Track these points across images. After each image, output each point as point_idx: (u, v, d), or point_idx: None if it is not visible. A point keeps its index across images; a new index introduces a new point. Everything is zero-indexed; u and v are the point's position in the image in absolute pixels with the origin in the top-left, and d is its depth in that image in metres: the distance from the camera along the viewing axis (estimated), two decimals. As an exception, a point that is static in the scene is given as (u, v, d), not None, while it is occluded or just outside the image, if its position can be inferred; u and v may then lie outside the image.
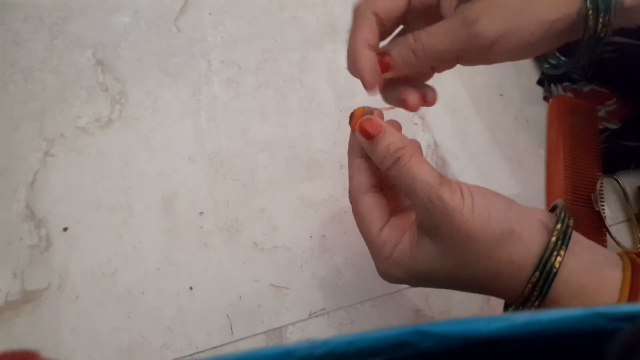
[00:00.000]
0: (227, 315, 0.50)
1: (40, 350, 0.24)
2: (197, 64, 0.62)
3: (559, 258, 0.30)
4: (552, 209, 0.35)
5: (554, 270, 0.30)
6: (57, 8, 0.64)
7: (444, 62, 0.38)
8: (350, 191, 0.37)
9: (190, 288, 0.51)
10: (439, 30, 0.35)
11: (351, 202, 0.36)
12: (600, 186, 0.55)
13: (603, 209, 0.53)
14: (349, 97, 0.61)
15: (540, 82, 0.62)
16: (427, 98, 0.39)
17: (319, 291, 0.51)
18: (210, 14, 0.65)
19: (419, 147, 0.37)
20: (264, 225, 0.54)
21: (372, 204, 0.35)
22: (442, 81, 0.62)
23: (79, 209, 0.54)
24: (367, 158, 0.36)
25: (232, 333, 0.49)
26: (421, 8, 0.37)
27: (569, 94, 0.60)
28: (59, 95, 0.60)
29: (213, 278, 0.51)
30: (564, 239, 0.30)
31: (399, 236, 0.34)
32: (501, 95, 0.62)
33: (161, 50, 0.63)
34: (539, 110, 0.61)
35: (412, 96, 0.38)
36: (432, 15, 0.37)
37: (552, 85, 0.61)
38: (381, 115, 0.36)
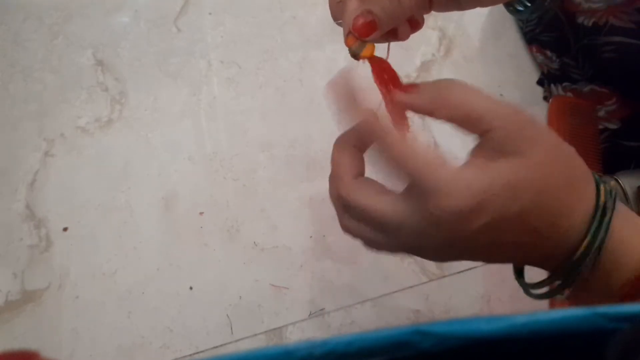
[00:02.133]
0: (227, 315, 0.50)
1: (41, 350, 0.24)
2: (197, 64, 0.62)
3: (612, 182, 0.32)
4: None
5: (609, 187, 0.31)
6: (57, 8, 0.64)
7: (421, 8, 0.36)
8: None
9: (190, 288, 0.51)
10: None
11: (389, 139, 0.31)
12: (600, 186, 0.55)
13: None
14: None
15: (540, 82, 0.62)
16: (419, 21, 0.37)
17: (319, 291, 0.51)
18: (210, 14, 0.65)
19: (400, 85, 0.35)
20: (264, 225, 0.54)
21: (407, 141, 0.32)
22: (442, 81, 0.62)
23: (79, 209, 0.54)
24: (359, 147, 0.35)
25: (232, 333, 0.49)
26: None
27: (569, 94, 0.60)
28: (59, 95, 0.60)
29: (213, 278, 0.51)
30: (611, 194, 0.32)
31: (453, 162, 0.30)
32: (501, 95, 0.62)
33: (161, 50, 0.63)
34: (539, 110, 0.61)
35: (401, 27, 0.36)
36: None
37: (552, 85, 0.61)
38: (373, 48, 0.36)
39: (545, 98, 0.61)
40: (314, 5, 0.67)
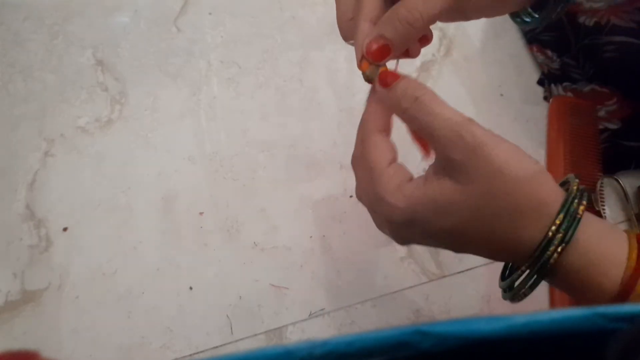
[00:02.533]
0: (227, 315, 0.50)
1: (40, 351, 0.24)
2: (197, 63, 0.62)
3: (581, 207, 0.30)
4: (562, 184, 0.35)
5: (578, 216, 0.29)
6: (57, 8, 0.64)
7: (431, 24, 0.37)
8: (360, 128, 0.35)
9: (190, 288, 0.51)
10: None
11: (360, 140, 0.35)
12: (601, 186, 0.54)
13: (603, 209, 0.53)
14: (349, 97, 0.61)
15: (540, 82, 0.62)
16: (422, 39, 0.38)
17: (319, 291, 0.51)
18: (210, 13, 0.65)
19: None
20: (264, 225, 0.54)
21: (383, 140, 0.34)
22: (442, 81, 0.62)
23: (79, 209, 0.54)
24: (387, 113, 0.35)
25: (232, 333, 0.49)
26: None
27: (569, 94, 0.60)
28: (59, 95, 0.60)
29: (213, 278, 0.51)
30: (582, 195, 0.30)
31: (407, 174, 0.33)
32: (501, 95, 0.62)
33: (161, 50, 0.63)
34: (539, 110, 0.61)
35: (413, 45, 0.37)
36: None
37: (552, 85, 0.61)
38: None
39: (546, 98, 0.61)
40: (314, 5, 0.67)
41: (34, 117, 0.58)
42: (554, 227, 0.29)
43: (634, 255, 0.29)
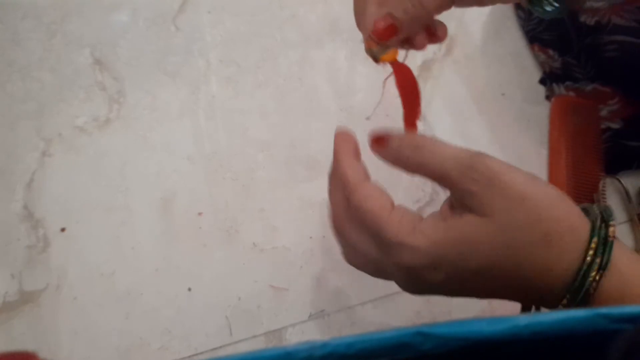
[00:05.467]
0: (226, 316, 0.50)
1: (38, 351, 0.24)
2: (195, 62, 0.62)
3: (612, 228, 0.28)
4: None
5: (610, 239, 0.28)
6: (55, 7, 0.64)
7: (443, 8, 0.35)
8: (346, 184, 0.32)
9: (189, 289, 0.51)
10: None
11: (348, 193, 0.32)
12: (603, 186, 0.54)
13: (605, 209, 0.53)
14: (349, 96, 0.61)
15: (542, 82, 0.62)
16: (438, 33, 0.37)
17: (318, 292, 0.51)
18: (209, 12, 0.65)
19: (419, 97, 0.35)
20: (264, 226, 0.54)
21: (373, 188, 0.32)
22: (443, 81, 0.62)
23: (77, 210, 0.54)
24: (358, 158, 0.34)
25: (231, 334, 0.49)
26: None
27: (571, 94, 0.60)
28: (57, 94, 0.59)
29: (212, 279, 0.51)
30: (609, 216, 0.29)
31: (417, 214, 0.31)
32: (503, 94, 0.62)
33: (160, 49, 0.63)
34: (541, 110, 0.61)
35: (419, 35, 0.35)
36: None
37: (554, 84, 0.61)
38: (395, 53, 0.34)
39: (548, 97, 0.61)
40: (313, 3, 0.66)
41: (32, 117, 0.58)
42: (591, 252, 0.28)
43: None
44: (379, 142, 0.32)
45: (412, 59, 0.64)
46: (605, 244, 0.28)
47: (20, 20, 0.63)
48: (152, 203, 0.54)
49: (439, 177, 0.30)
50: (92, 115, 0.59)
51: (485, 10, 0.66)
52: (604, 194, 0.54)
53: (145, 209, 0.54)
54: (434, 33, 0.37)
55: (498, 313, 0.51)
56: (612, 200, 0.55)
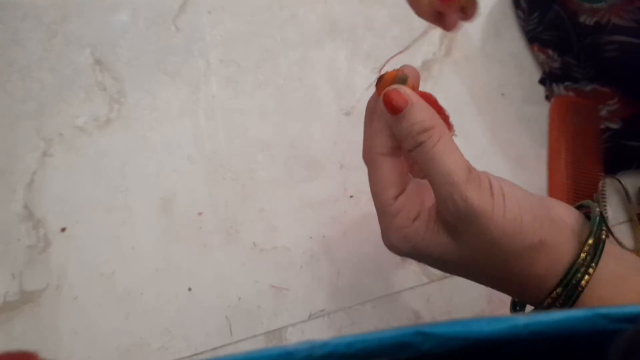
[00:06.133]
0: (226, 316, 0.50)
1: (39, 351, 0.24)
2: (196, 63, 0.62)
3: (586, 277, 0.28)
4: (578, 207, 0.33)
5: (580, 289, 0.28)
6: (55, 7, 0.64)
7: None
8: (365, 150, 0.33)
9: (189, 289, 0.51)
10: None
11: (366, 163, 0.32)
12: (602, 186, 0.54)
13: (605, 209, 0.53)
14: (349, 96, 0.61)
15: (542, 82, 0.62)
16: (467, 11, 0.35)
17: (318, 292, 0.51)
18: (209, 12, 0.65)
19: (448, 121, 0.32)
20: (264, 226, 0.54)
21: (390, 168, 0.31)
22: (442, 80, 0.62)
23: (77, 209, 0.54)
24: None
25: (231, 334, 0.49)
26: None
27: (571, 94, 0.60)
28: (57, 94, 0.59)
29: (212, 279, 0.51)
30: (594, 256, 0.28)
31: (414, 209, 0.31)
32: (502, 94, 0.62)
33: (160, 49, 0.63)
34: (541, 110, 0.61)
35: (451, 15, 0.34)
36: None
37: (553, 84, 0.61)
38: (416, 80, 0.31)
39: (547, 97, 0.61)
40: (313, 3, 0.66)
41: (32, 117, 0.58)
42: (549, 300, 0.29)
43: None
44: (393, 104, 0.29)
45: (412, 59, 0.64)
46: (573, 292, 0.28)
47: (21, 20, 0.63)
48: (152, 203, 0.54)
49: (429, 182, 0.30)
50: (92, 115, 0.59)
51: (485, 10, 0.66)
52: (604, 194, 0.54)
53: (146, 209, 0.54)
54: (465, 10, 0.36)
55: (498, 313, 0.51)
56: (612, 200, 0.55)
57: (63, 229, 0.53)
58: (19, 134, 0.57)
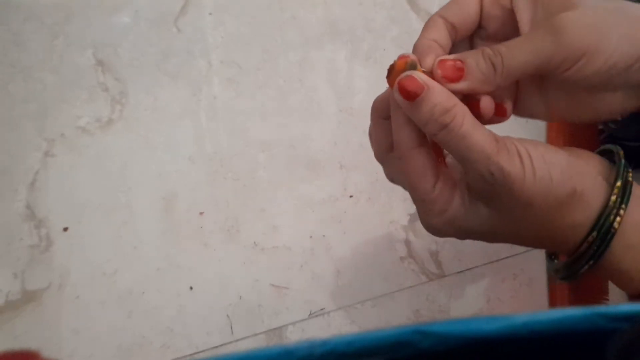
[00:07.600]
0: (227, 315, 0.50)
1: (41, 350, 0.24)
2: (197, 64, 0.62)
3: (618, 218, 0.29)
4: (601, 153, 0.34)
5: (613, 230, 0.29)
6: (57, 8, 0.64)
7: (525, 90, 0.34)
8: (398, 145, 0.32)
9: (191, 288, 0.51)
10: (520, 40, 0.30)
11: (400, 158, 0.32)
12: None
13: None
14: (349, 97, 0.61)
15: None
16: (500, 107, 0.34)
17: (319, 291, 0.51)
18: (210, 14, 0.65)
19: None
20: (264, 225, 0.54)
21: (423, 159, 0.31)
22: (442, 81, 0.62)
23: (79, 209, 0.54)
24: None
25: (232, 333, 0.49)
26: (495, 16, 0.33)
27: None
28: (60, 95, 0.60)
29: (213, 278, 0.51)
30: (623, 197, 0.29)
31: (450, 193, 0.31)
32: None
33: (161, 51, 0.63)
34: (539, 110, 0.61)
35: (486, 99, 0.32)
36: (506, 35, 0.33)
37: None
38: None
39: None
40: (314, 5, 0.67)
41: (35, 117, 0.58)
42: (586, 244, 0.30)
43: None
44: (408, 90, 0.28)
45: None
46: (606, 235, 0.29)
47: (23, 21, 0.63)
48: (153, 203, 0.55)
49: (460, 162, 0.30)
50: (94, 115, 0.59)
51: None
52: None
53: (147, 209, 0.54)
54: (501, 107, 0.34)
55: (497, 312, 0.51)
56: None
57: (65, 229, 0.53)
58: (22, 134, 0.57)
